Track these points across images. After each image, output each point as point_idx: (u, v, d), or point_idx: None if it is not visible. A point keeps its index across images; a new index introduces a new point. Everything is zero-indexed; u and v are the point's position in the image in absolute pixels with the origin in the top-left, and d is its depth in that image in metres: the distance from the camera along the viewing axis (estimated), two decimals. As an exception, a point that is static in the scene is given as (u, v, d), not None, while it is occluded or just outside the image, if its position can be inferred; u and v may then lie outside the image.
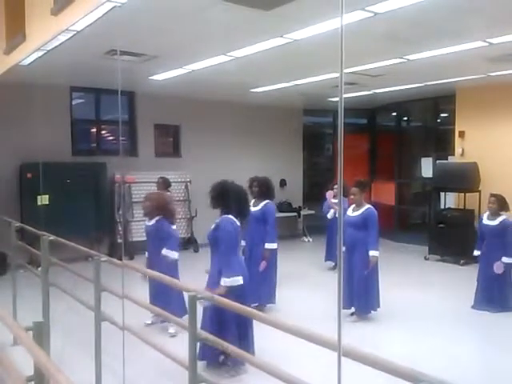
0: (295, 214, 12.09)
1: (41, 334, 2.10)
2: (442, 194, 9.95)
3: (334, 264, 8.53)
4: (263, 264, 6.06)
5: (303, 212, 12.27)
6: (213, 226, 4.45)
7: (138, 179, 9.63)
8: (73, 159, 9.26)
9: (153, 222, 5.60)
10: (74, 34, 5.31)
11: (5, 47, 6.46)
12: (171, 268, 5.27)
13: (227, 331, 4.08)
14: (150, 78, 8.30)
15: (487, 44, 6.11)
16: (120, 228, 9.53)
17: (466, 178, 9.16)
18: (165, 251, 5.34)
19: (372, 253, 5.76)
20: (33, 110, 7.54)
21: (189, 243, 10.30)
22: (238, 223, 4.45)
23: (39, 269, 4.90)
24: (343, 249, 5.67)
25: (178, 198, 10.06)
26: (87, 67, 7.38)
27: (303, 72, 8.10)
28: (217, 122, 10.83)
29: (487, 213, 6.51)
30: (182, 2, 4.73)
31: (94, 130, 10.14)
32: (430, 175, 10.40)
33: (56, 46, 5.76)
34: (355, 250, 5.80)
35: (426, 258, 9.50)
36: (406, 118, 12.60)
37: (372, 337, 5.37)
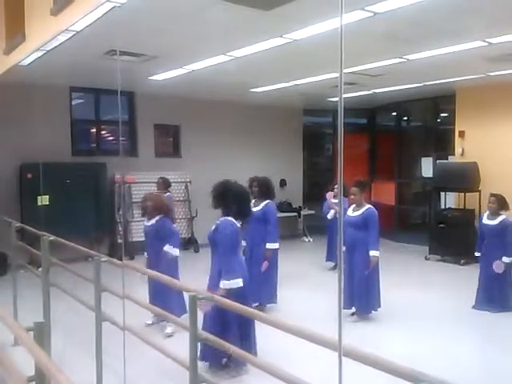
0: (295, 214, 12.09)
1: (41, 334, 2.10)
2: (442, 193, 9.95)
3: (334, 264, 8.52)
4: (265, 264, 6.06)
5: (303, 212, 12.28)
6: (213, 227, 4.45)
7: (138, 179, 9.63)
8: (73, 159, 9.26)
9: (153, 221, 5.61)
10: (74, 35, 5.31)
11: (4, 47, 6.47)
12: (171, 268, 5.28)
13: (229, 332, 4.07)
14: (150, 78, 8.30)
15: (487, 44, 6.12)
16: (120, 228, 9.54)
17: (466, 178, 9.16)
18: (167, 247, 5.36)
19: (372, 253, 5.76)
20: (33, 110, 7.55)
21: (189, 243, 10.31)
22: (239, 224, 4.42)
23: (40, 269, 4.90)
24: (343, 249, 5.67)
25: (178, 199, 10.08)
26: (87, 67, 7.38)
27: (303, 72, 8.10)
28: (217, 122, 10.83)
29: (487, 212, 6.51)
30: (181, 2, 4.73)
31: (94, 130, 10.14)
32: (430, 175, 10.40)
33: (56, 47, 5.77)
34: (355, 250, 5.80)
35: (426, 258, 9.50)
36: (405, 118, 12.60)
37: (372, 337, 5.37)
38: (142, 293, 5.13)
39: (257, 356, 3.93)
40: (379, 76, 8.18)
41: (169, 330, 5.25)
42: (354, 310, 5.94)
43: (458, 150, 9.84)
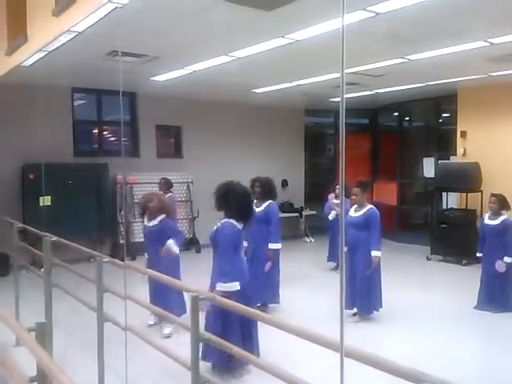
0: (297, 214, 12.08)
1: (43, 334, 2.11)
2: (444, 194, 9.94)
3: (336, 264, 8.51)
4: (268, 264, 6.05)
5: (305, 212, 12.27)
6: (215, 228, 4.44)
7: (140, 180, 9.64)
8: (75, 160, 9.27)
9: (155, 222, 5.60)
10: (76, 35, 5.32)
11: (6, 48, 6.47)
12: (172, 268, 5.28)
13: (231, 332, 4.06)
14: (152, 78, 8.31)
15: (488, 44, 6.11)
16: (122, 229, 9.55)
17: (467, 178, 9.15)
18: (170, 241, 5.35)
19: (374, 253, 5.76)
20: (35, 111, 7.56)
21: (191, 244, 10.31)
22: (240, 227, 4.39)
23: (41, 270, 4.90)
24: (345, 249, 5.67)
25: (179, 199, 10.08)
26: (89, 68, 7.39)
27: (305, 72, 8.10)
28: (218, 123, 10.84)
29: (488, 213, 6.51)
30: (183, 3, 4.74)
31: (96, 130, 10.15)
32: (432, 175, 10.38)
33: (58, 47, 5.78)
34: (357, 251, 5.80)
35: (428, 258, 9.49)
36: (407, 118, 12.58)
37: (374, 337, 5.37)
38: (143, 293, 5.13)
39: (259, 357, 3.92)
40: (381, 76, 8.17)
41: (167, 330, 5.23)
42: (355, 310, 5.94)
43: (459, 150, 9.83)
